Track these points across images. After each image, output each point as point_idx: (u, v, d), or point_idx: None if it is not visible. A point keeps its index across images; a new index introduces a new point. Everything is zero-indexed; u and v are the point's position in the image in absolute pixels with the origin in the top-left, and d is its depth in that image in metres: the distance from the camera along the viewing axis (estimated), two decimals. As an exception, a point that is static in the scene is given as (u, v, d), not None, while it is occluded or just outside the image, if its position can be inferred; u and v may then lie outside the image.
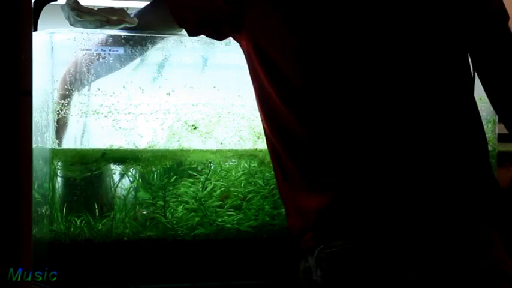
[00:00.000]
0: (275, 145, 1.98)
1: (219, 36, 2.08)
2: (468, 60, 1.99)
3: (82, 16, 2.25)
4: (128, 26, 2.30)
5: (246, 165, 2.40)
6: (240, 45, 2.08)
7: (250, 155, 2.40)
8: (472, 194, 1.87)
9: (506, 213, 1.95)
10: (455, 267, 1.81)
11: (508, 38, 1.97)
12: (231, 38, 2.14)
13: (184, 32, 2.18)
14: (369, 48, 1.86)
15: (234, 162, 2.39)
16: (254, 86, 2.05)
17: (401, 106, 1.86)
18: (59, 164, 2.27)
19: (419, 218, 1.83)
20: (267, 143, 2.06)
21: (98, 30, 2.28)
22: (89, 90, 2.28)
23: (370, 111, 1.85)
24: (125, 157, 2.31)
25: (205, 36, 2.16)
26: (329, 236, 1.84)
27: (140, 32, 2.32)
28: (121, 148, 2.30)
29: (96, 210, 2.27)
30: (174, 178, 2.34)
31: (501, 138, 2.54)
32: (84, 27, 2.26)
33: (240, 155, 2.40)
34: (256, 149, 2.41)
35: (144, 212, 2.33)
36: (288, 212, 2.01)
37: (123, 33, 2.31)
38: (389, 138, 1.85)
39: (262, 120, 2.05)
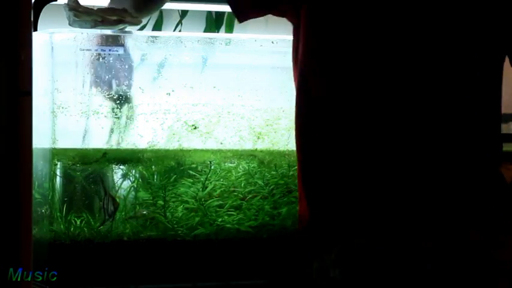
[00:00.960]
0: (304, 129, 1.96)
1: (273, 12, 2.03)
2: (498, 65, 1.97)
3: (80, 16, 2.25)
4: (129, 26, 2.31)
5: (245, 165, 2.40)
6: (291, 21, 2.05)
7: (250, 155, 2.40)
8: (480, 194, 1.88)
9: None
10: (463, 267, 1.82)
11: None
12: (231, 37, 2.13)
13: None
14: (397, 55, 1.86)
15: (234, 163, 2.39)
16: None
17: (417, 108, 1.86)
18: (59, 164, 2.27)
19: (434, 218, 1.84)
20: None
21: (98, 31, 2.28)
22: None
23: (390, 113, 1.85)
24: (125, 157, 2.31)
25: (205, 36, 2.16)
26: (348, 234, 1.84)
27: (138, 31, 2.33)
28: (121, 148, 2.31)
29: (97, 212, 2.27)
30: (173, 178, 2.34)
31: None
32: (82, 27, 2.26)
33: (240, 155, 2.40)
34: (256, 149, 2.41)
35: (144, 212, 2.33)
36: (301, 198, 1.97)
37: (122, 34, 2.32)
38: (408, 141, 1.85)
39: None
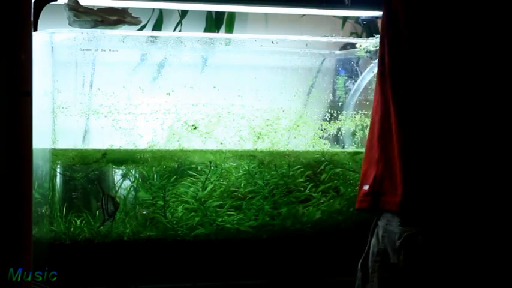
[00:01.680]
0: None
1: None
2: None
3: (80, 16, 2.25)
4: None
5: (245, 166, 2.40)
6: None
7: (250, 155, 2.40)
8: None
9: None
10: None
11: None
12: (231, 37, 2.13)
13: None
14: (465, 71, 1.87)
15: (234, 163, 2.39)
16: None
17: (480, 119, 1.88)
18: (59, 164, 2.27)
19: (487, 217, 1.85)
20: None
21: (98, 31, 2.28)
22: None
23: (460, 118, 1.86)
24: (125, 157, 2.31)
25: (205, 36, 2.15)
26: (413, 219, 1.84)
27: (138, 31, 2.33)
28: (121, 148, 2.31)
29: (97, 212, 2.28)
30: (174, 178, 2.34)
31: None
32: (81, 27, 2.26)
33: (240, 155, 2.40)
34: (256, 149, 2.41)
35: (144, 212, 2.33)
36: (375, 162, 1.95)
37: (122, 33, 2.32)
38: (470, 150, 1.86)
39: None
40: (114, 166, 2.33)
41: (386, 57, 1.89)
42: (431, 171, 1.84)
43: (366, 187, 1.91)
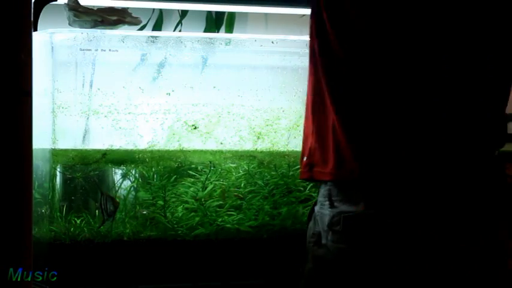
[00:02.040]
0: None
1: None
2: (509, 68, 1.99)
3: (79, 16, 2.25)
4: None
5: (245, 166, 2.40)
6: None
7: (250, 155, 2.40)
8: (485, 190, 1.90)
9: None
10: (454, 254, 1.85)
11: None
12: (231, 37, 2.14)
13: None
14: (413, 54, 1.88)
15: (234, 164, 2.39)
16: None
17: (430, 104, 1.89)
18: (59, 164, 2.27)
19: (431, 200, 1.86)
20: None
21: (98, 31, 2.28)
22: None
23: (408, 105, 1.87)
24: (125, 158, 2.31)
25: (205, 36, 2.15)
26: (343, 200, 1.86)
27: (139, 31, 2.33)
28: (121, 149, 2.31)
29: (97, 212, 2.28)
30: (174, 178, 2.34)
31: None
32: (81, 27, 2.26)
33: (240, 155, 2.40)
34: (256, 149, 2.41)
35: (144, 212, 2.33)
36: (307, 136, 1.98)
37: (122, 33, 2.32)
38: (416, 129, 1.87)
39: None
40: (114, 166, 2.33)
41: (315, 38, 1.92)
42: (364, 143, 1.86)
43: (305, 158, 1.95)
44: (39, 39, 2.18)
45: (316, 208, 1.94)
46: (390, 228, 1.84)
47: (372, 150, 1.86)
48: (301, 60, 2.43)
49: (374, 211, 1.85)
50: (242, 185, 2.39)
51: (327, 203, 1.90)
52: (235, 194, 2.39)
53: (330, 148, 1.89)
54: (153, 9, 2.73)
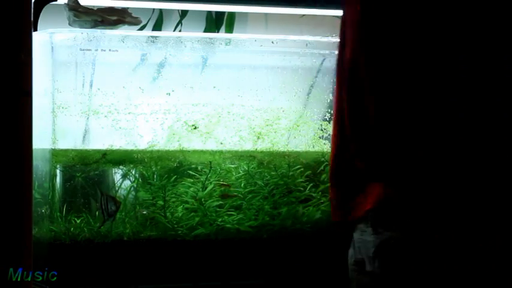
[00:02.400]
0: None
1: None
2: None
3: (80, 16, 2.26)
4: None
5: (245, 166, 2.40)
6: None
7: (250, 156, 2.40)
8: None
9: None
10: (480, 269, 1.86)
11: None
12: (231, 37, 2.13)
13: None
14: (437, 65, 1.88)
15: (234, 164, 2.39)
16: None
17: (458, 120, 1.89)
18: (59, 164, 2.27)
19: (461, 221, 1.86)
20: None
21: (98, 31, 2.28)
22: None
23: (433, 122, 1.87)
24: (124, 158, 2.31)
25: (205, 36, 2.15)
26: (385, 226, 1.85)
27: (139, 31, 2.33)
28: (121, 149, 2.31)
29: (97, 212, 2.28)
30: (173, 178, 2.34)
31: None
32: (81, 27, 2.26)
33: (240, 156, 2.40)
34: (256, 149, 2.41)
35: (144, 212, 2.33)
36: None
37: (122, 33, 2.32)
38: (447, 149, 1.87)
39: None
40: (114, 166, 2.33)
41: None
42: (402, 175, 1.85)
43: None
44: (39, 39, 2.18)
45: (356, 235, 1.91)
46: (436, 249, 1.84)
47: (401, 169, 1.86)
48: (301, 60, 2.43)
49: (418, 234, 1.84)
50: (242, 185, 2.39)
51: (369, 229, 1.87)
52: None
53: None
54: (153, 9, 2.73)
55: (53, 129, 2.27)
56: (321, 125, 2.51)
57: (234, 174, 2.39)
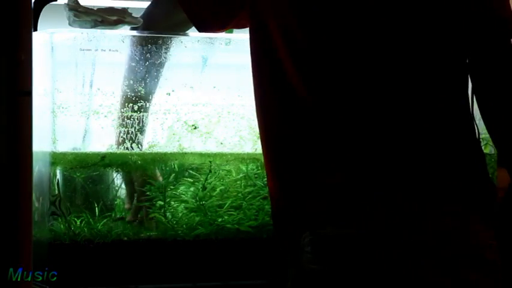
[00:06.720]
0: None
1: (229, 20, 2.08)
2: (465, 63, 1.97)
3: (79, 16, 2.25)
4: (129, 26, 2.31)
5: (244, 169, 2.40)
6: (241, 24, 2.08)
7: (249, 157, 2.40)
8: (460, 186, 1.89)
9: (504, 212, 1.97)
10: (437, 256, 1.82)
11: (507, 51, 1.93)
12: (231, 38, 2.14)
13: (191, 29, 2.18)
14: (368, 48, 1.88)
15: (233, 166, 2.39)
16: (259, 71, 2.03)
17: (394, 104, 1.88)
18: (59, 168, 2.27)
19: (406, 208, 1.84)
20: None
21: (98, 31, 2.28)
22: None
23: (364, 110, 1.87)
24: (123, 160, 2.31)
25: (205, 36, 2.15)
26: (320, 222, 1.85)
27: (140, 32, 2.33)
28: (120, 151, 2.30)
29: (97, 210, 2.27)
30: (173, 177, 2.34)
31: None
32: (82, 27, 2.26)
33: (241, 158, 2.40)
34: (256, 150, 2.41)
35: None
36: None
37: (124, 33, 2.32)
38: (383, 134, 1.86)
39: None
40: (114, 167, 2.33)
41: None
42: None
43: None
44: (39, 39, 2.18)
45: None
46: (365, 247, 1.82)
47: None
48: (301, 60, 2.42)
49: (348, 229, 1.83)
50: (242, 185, 2.39)
51: None
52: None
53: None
54: (153, 9, 2.73)
55: (53, 129, 2.26)
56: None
57: (234, 175, 2.39)
